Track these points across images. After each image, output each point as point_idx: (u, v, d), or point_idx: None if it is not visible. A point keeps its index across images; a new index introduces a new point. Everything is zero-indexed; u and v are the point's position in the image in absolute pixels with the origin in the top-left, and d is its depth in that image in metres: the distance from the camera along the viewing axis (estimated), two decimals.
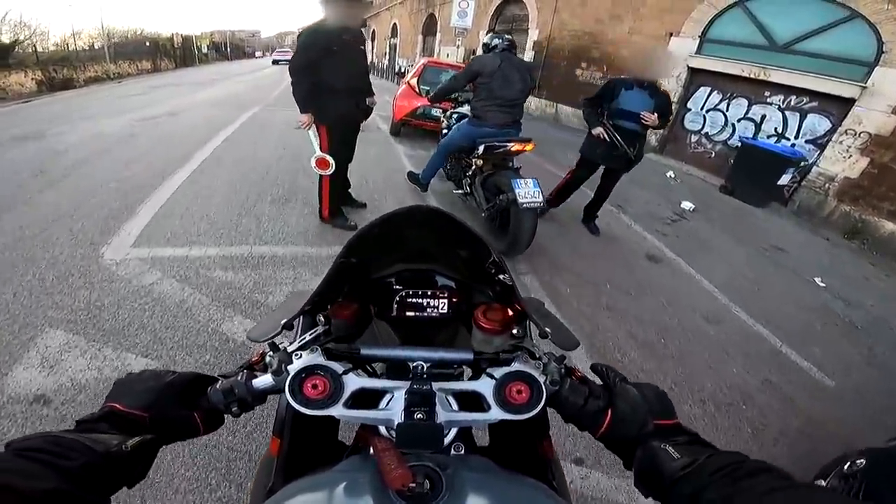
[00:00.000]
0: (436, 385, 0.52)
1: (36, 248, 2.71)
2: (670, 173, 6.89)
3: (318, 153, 3.03)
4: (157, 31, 31.73)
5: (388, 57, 28.61)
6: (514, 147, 3.18)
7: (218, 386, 0.54)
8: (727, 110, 7.39)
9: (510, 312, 0.64)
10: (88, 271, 2.50)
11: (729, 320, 2.95)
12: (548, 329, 0.58)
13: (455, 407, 0.53)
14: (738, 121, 7.13)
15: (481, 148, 3.18)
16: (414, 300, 0.71)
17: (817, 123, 6.22)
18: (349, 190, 3.66)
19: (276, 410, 0.67)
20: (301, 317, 0.63)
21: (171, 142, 5.45)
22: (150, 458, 0.48)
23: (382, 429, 0.53)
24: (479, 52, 3.43)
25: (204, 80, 16.12)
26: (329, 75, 2.82)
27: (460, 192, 3.77)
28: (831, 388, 2.45)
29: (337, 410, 0.50)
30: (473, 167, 3.37)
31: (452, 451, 0.53)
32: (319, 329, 0.60)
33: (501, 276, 0.62)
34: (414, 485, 0.43)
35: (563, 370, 0.56)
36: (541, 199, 2.85)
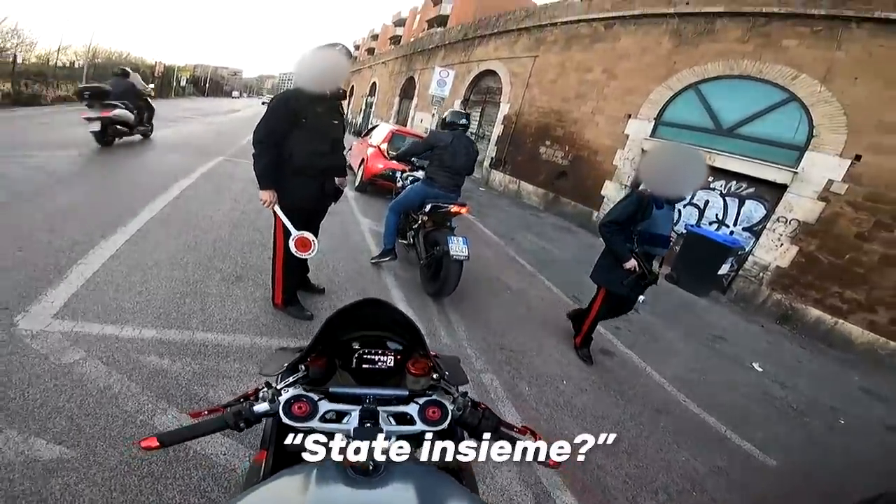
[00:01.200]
0: (381, 408, 0.81)
1: None
2: None
3: (295, 233, 2.71)
4: (141, 57, 31.35)
5: (362, 115, 29.33)
6: (454, 209, 3.88)
7: (230, 410, 0.81)
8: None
9: (430, 363, 0.93)
10: None
11: (678, 411, 3.13)
12: (446, 371, 0.92)
13: (393, 422, 0.81)
14: (685, 206, 7.39)
15: (428, 206, 3.87)
16: (368, 356, 0.98)
17: (753, 210, 6.59)
18: (307, 274, 3.36)
19: (262, 429, 0.96)
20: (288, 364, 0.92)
21: (119, 189, 5.10)
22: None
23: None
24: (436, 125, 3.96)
25: (173, 116, 15.76)
26: (294, 150, 2.59)
27: (405, 242, 4.43)
28: (774, 467, 2.70)
29: (314, 423, 0.78)
30: (419, 222, 4.05)
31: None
32: (300, 374, 0.88)
33: (420, 341, 0.93)
34: (357, 463, 0.68)
35: (468, 402, 0.87)
36: (467, 253, 3.57)
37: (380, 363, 0.98)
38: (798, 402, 3.62)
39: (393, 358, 0.98)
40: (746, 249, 6.57)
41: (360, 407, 0.80)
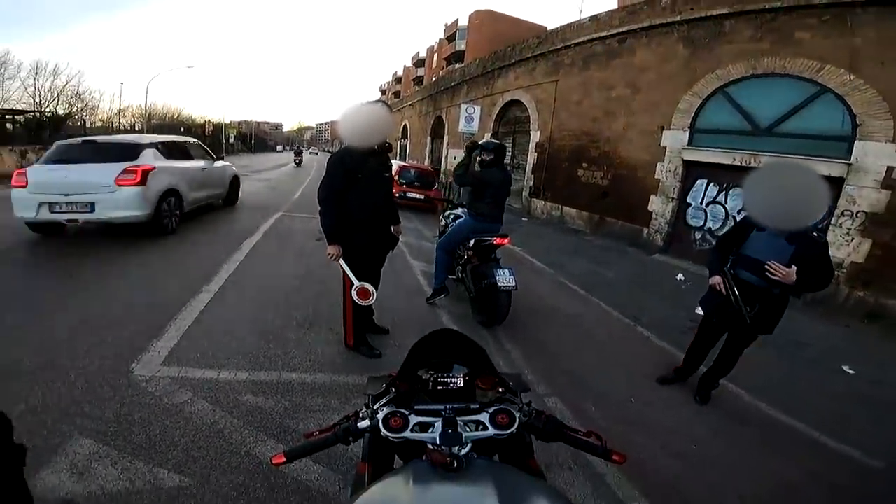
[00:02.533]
0: (458, 418, 0.96)
1: (64, 355, 2.79)
2: (680, 275, 6.92)
3: (357, 283, 2.95)
4: (191, 115, 33.34)
5: (398, 158, 30.33)
6: (497, 241, 4.08)
7: (339, 428, 1.01)
8: (726, 202, 7.46)
9: (496, 379, 1.08)
10: (118, 385, 2.55)
11: (762, 420, 2.98)
12: (510, 382, 1.08)
13: (469, 429, 0.96)
14: (738, 212, 7.06)
15: (471, 241, 4.11)
16: (442, 379, 1.10)
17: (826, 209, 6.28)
18: (373, 317, 3.56)
19: (361, 445, 1.11)
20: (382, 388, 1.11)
21: (198, 252, 5.63)
22: None
23: (430, 445, 0.93)
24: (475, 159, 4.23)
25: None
26: (353, 205, 2.84)
27: (454, 277, 4.66)
28: (881, 469, 2.48)
29: (406, 434, 0.94)
30: (465, 258, 4.28)
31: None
32: (391, 395, 1.06)
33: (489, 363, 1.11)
34: (447, 461, 0.83)
35: (532, 411, 1.03)
36: (514, 283, 3.76)
37: (451, 384, 1.11)
38: None
39: (462, 378, 1.11)
40: None
41: (441, 418, 0.96)
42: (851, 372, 3.77)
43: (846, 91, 5.87)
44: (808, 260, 2.44)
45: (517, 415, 0.98)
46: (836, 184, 5.93)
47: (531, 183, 12.93)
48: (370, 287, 2.96)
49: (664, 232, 8.58)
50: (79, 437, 2.07)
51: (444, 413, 0.99)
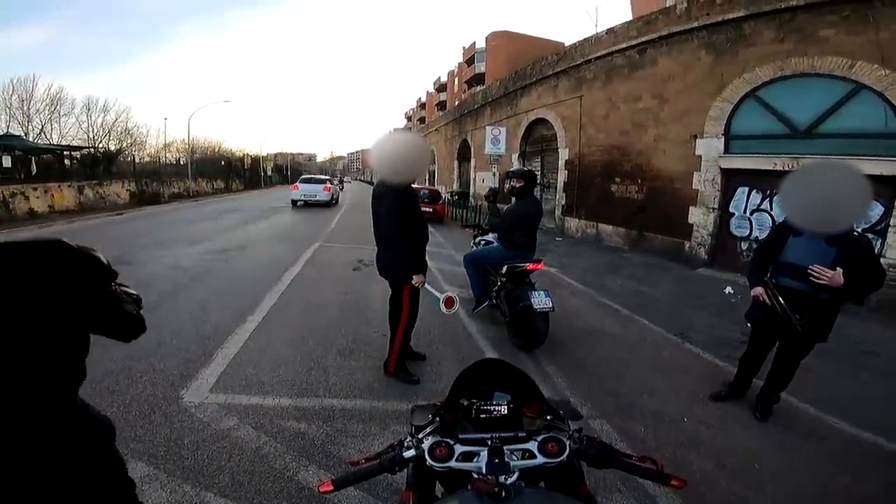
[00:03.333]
0: (505, 447, 0.94)
1: (120, 382, 2.95)
2: (728, 289, 6.58)
3: (445, 294, 3.46)
4: (230, 148, 34.81)
5: (427, 183, 30.84)
6: (530, 266, 4.06)
7: (386, 457, 1.00)
8: (771, 209, 7.14)
9: (542, 406, 1.05)
10: (169, 411, 2.67)
11: (830, 434, 2.75)
12: (559, 410, 1.04)
13: (517, 458, 0.93)
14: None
15: (504, 268, 4.09)
16: (485, 407, 1.08)
17: (869, 209, 5.89)
18: (409, 343, 3.58)
19: (405, 474, 1.09)
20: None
21: (242, 282, 5.87)
22: None
23: (475, 474, 0.92)
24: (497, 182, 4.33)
25: (269, 206, 17.99)
26: (421, 233, 3.07)
27: (488, 303, 4.60)
28: None
29: (451, 463, 0.93)
30: (499, 283, 4.23)
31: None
32: (435, 424, 1.04)
33: (534, 389, 1.06)
34: (494, 491, 0.83)
35: (584, 438, 0.99)
36: (551, 304, 3.72)
37: (495, 412, 1.08)
38: None
39: (506, 406, 1.08)
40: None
41: (487, 447, 0.94)
42: None
43: (884, 86, 5.63)
44: (852, 261, 2.32)
45: (567, 442, 0.95)
46: (889, 183, 5.61)
47: (563, 201, 12.68)
48: (454, 295, 3.43)
49: (707, 244, 8.21)
50: (131, 459, 2.11)
51: (489, 442, 0.97)
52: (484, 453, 0.93)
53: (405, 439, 1.03)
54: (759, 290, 2.68)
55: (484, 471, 0.90)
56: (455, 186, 23.16)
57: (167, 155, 26.97)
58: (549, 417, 1.03)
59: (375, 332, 4.10)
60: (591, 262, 8.66)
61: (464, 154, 22.82)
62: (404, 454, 0.99)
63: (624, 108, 10.13)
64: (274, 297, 5.29)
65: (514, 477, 0.91)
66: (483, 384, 1.13)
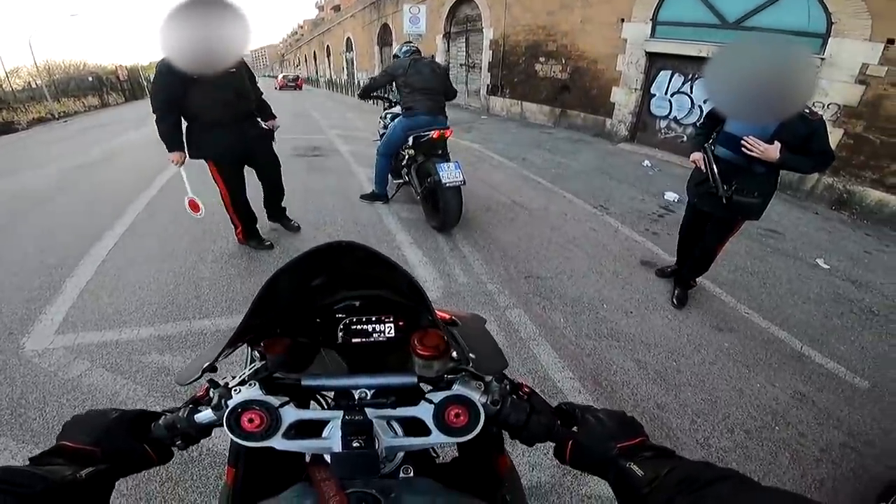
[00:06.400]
0: (375, 412, 0.56)
1: None
2: (646, 162, 6.72)
3: (189, 195, 3.02)
4: (99, 64, 30.53)
5: (346, 71, 28.23)
6: (435, 134, 3.60)
7: (161, 421, 0.59)
8: (691, 92, 7.28)
9: (444, 337, 0.62)
10: (8, 365, 2.18)
11: (742, 327, 2.67)
12: (471, 355, 0.59)
13: (399, 432, 0.56)
14: (705, 102, 6.93)
15: (410, 139, 3.68)
16: (359, 326, 0.72)
17: (813, 94, 6.16)
18: (285, 212, 3.69)
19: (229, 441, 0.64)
20: (247, 350, 0.69)
21: (103, 195, 4.88)
22: (108, 489, 0.52)
23: (327, 457, 0.56)
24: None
25: (149, 114, 15.26)
26: (199, 108, 2.65)
27: (400, 181, 4.27)
28: (866, 389, 2.21)
29: (276, 442, 0.54)
30: (407, 157, 3.85)
31: (401, 475, 0.58)
32: (257, 364, 0.64)
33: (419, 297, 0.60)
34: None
35: (506, 387, 0.60)
36: (461, 178, 3.35)
37: (375, 335, 0.71)
38: (878, 304, 3.00)
39: (394, 325, 0.71)
40: None
41: (341, 414, 0.55)
42: (826, 266, 3.53)
43: None
44: (796, 137, 2.12)
45: (480, 404, 0.56)
46: None
47: (488, 81, 12.50)
48: (198, 200, 3.04)
49: (628, 122, 8.40)
50: None
51: (351, 400, 0.59)
52: (337, 424, 0.55)
53: (209, 387, 0.61)
54: (697, 156, 2.50)
55: (336, 450, 0.54)
56: (376, 72, 21.73)
57: (15, 81, 22.22)
58: (454, 354, 0.62)
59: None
60: (515, 138, 8.60)
61: (385, 39, 21.53)
62: (197, 417, 0.58)
63: None
64: (140, 205, 4.49)
65: (394, 465, 0.59)
66: (344, 287, 0.71)
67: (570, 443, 0.56)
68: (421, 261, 3.25)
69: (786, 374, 2.29)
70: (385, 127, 4.34)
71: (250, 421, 0.53)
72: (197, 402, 0.61)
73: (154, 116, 2.69)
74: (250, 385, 0.56)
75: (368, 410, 0.55)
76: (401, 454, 0.60)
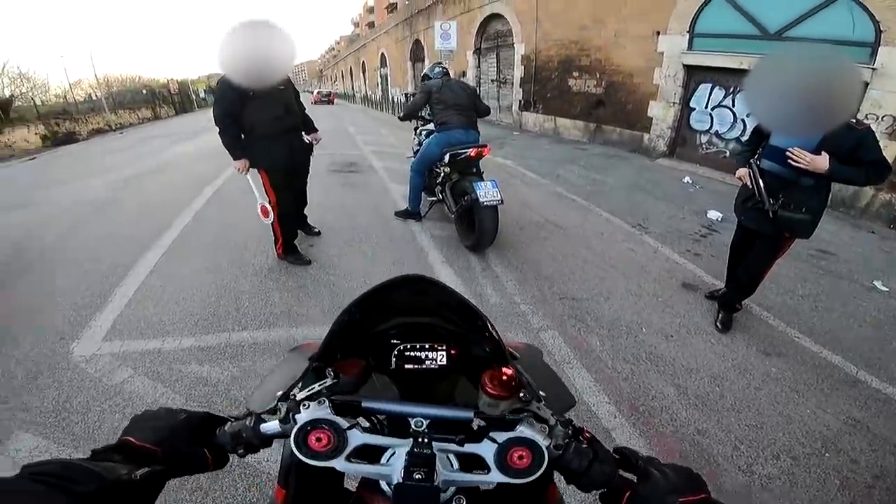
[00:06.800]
0: (437, 445, 0.55)
1: (6, 342, 2.54)
2: (687, 178, 6.48)
3: (260, 201, 3.20)
4: (153, 78, 32.41)
5: (380, 87, 28.91)
6: (473, 152, 3.60)
7: (227, 428, 0.59)
8: (733, 106, 6.99)
9: (515, 375, 0.61)
10: (58, 369, 2.30)
11: (792, 351, 2.50)
12: (542, 393, 0.59)
13: (456, 466, 0.56)
14: (748, 115, 6.59)
15: (446, 157, 3.65)
16: (412, 353, 0.72)
17: (856, 104, 5.85)
18: (307, 220, 3.93)
19: (280, 458, 0.69)
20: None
21: (152, 206, 5.14)
22: (158, 488, 0.52)
23: (383, 483, 0.58)
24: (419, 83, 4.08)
25: (198, 127, 16.03)
26: (253, 121, 2.88)
27: (433, 199, 4.22)
28: None
29: (339, 464, 0.54)
30: (442, 175, 3.85)
31: None
32: (328, 381, 0.61)
33: (489, 334, 0.61)
34: None
35: (570, 432, 0.57)
36: (499, 197, 3.30)
37: (428, 362, 0.71)
38: None
39: (446, 354, 0.71)
40: None
41: (408, 444, 0.55)
42: (884, 289, 3.25)
43: None
44: (843, 148, 2.02)
45: (544, 446, 0.54)
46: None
47: (520, 97, 12.37)
48: (269, 206, 3.20)
49: (667, 137, 8.09)
50: (18, 432, 1.90)
51: (412, 429, 0.58)
52: (401, 454, 0.55)
53: (280, 402, 0.60)
54: (742, 171, 2.40)
55: (395, 481, 0.53)
56: (409, 88, 22.38)
57: (77, 93, 24.11)
58: (521, 395, 0.60)
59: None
60: (548, 154, 8.47)
61: (417, 55, 21.91)
62: (263, 427, 0.58)
63: (582, 2, 9.53)
64: (187, 217, 4.66)
65: (447, 496, 0.57)
66: (399, 313, 0.72)
67: (628, 493, 0.53)
68: (453, 280, 3.22)
69: (839, 399, 2.15)
70: (419, 144, 4.35)
71: (318, 440, 0.53)
72: (253, 414, 0.61)
73: (217, 129, 2.92)
74: (320, 402, 0.56)
75: (435, 443, 0.55)
76: (451, 489, 0.59)
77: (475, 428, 0.59)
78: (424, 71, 4.15)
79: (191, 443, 0.56)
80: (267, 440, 0.59)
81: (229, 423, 0.60)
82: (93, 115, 19.69)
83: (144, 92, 26.05)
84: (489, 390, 0.59)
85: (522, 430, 0.55)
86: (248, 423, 0.58)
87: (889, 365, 2.39)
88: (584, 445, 0.57)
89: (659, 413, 2.03)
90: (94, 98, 22.69)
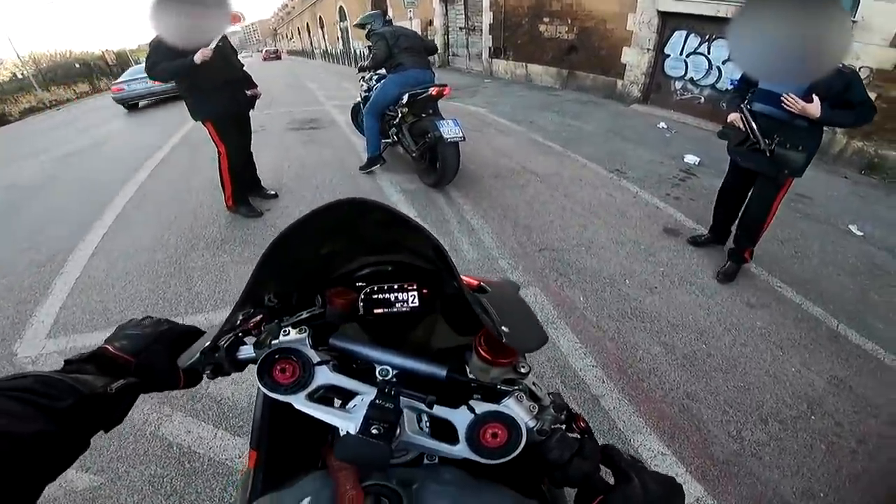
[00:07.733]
0: (405, 401, 0.49)
1: None
2: (662, 124, 6.35)
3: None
4: (86, 51, 30.48)
5: (340, 41, 27.31)
6: (434, 91, 3.61)
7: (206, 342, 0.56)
8: (709, 53, 6.85)
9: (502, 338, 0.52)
10: (2, 374, 1.96)
11: (775, 303, 2.46)
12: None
13: (427, 429, 0.51)
14: (724, 63, 6.57)
15: (405, 97, 3.65)
16: (380, 295, 0.66)
17: (849, 49, 5.82)
18: (260, 183, 3.79)
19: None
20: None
21: (92, 183, 4.70)
22: (130, 403, 0.51)
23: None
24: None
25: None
26: (194, 73, 2.81)
27: (388, 140, 4.17)
28: None
29: (298, 400, 0.50)
30: (399, 117, 3.84)
31: (425, 461, 0.54)
32: (316, 310, 0.59)
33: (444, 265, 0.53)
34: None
35: (562, 417, 0.51)
36: (461, 133, 3.39)
37: (398, 304, 0.66)
38: None
39: (417, 294, 0.66)
40: None
41: (374, 392, 0.49)
42: (859, 233, 3.23)
43: None
44: (832, 92, 2.07)
45: (524, 430, 0.48)
46: None
47: (490, 44, 11.94)
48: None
49: (641, 83, 7.94)
50: None
51: (382, 377, 0.52)
52: (366, 401, 0.48)
53: (262, 320, 0.58)
54: (734, 115, 2.42)
55: (353, 430, 0.47)
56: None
57: (2, 73, 22.78)
58: (520, 367, 0.54)
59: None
60: (521, 101, 8.22)
61: (379, 6, 20.50)
62: (237, 352, 0.54)
63: None
64: (131, 190, 4.31)
65: (408, 456, 0.54)
66: (363, 251, 0.66)
67: (600, 498, 0.47)
68: None
69: (822, 356, 2.12)
70: (369, 90, 4.23)
71: (282, 371, 0.50)
72: (246, 332, 0.57)
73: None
74: (301, 331, 0.52)
75: (403, 398, 0.49)
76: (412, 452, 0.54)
77: (453, 390, 0.51)
78: (365, 24, 4.02)
79: (167, 359, 0.55)
80: (239, 364, 0.55)
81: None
82: (22, 94, 18.72)
83: (78, 66, 24.65)
84: (482, 352, 0.54)
85: (508, 405, 0.48)
86: (221, 343, 0.54)
87: (867, 318, 2.37)
88: (573, 435, 0.50)
89: (647, 376, 1.97)
90: (20, 77, 21.51)
